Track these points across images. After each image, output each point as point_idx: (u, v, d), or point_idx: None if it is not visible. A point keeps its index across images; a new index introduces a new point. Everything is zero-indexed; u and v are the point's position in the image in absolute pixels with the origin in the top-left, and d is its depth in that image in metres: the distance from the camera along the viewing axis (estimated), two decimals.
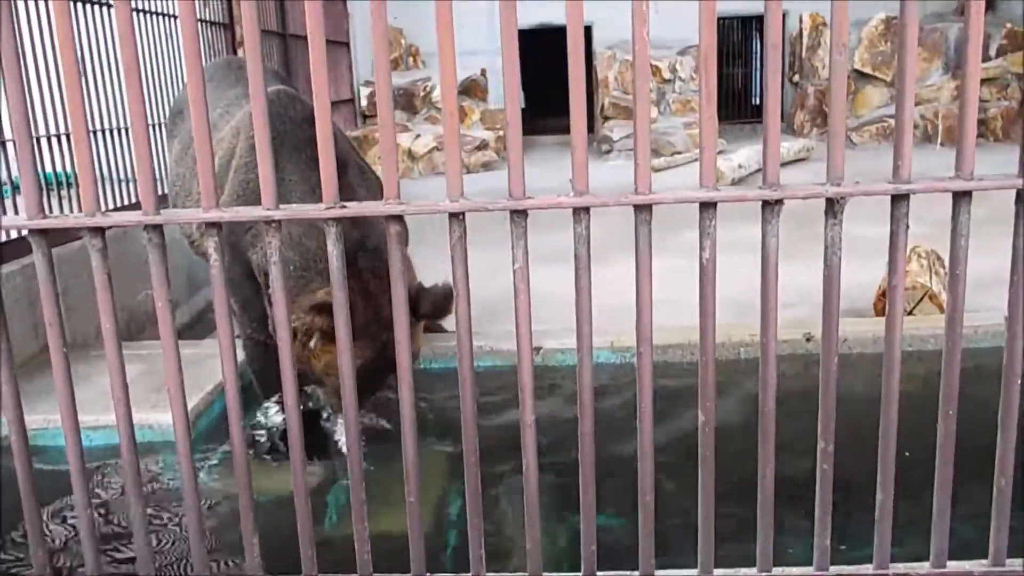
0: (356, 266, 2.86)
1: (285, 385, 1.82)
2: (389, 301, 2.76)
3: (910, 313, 4.39)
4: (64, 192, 4.55)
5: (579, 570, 1.89)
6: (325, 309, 2.68)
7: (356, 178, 3.22)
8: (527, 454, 1.81)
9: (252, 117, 3.25)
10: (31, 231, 1.76)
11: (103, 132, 5.01)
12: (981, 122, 12.11)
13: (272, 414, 3.43)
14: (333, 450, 3.22)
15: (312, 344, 2.88)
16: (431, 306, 2.88)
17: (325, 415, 3.33)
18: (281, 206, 1.73)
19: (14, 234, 3.94)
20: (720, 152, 11.10)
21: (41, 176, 1.84)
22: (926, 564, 1.85)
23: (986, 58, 12.06)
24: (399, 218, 1.73)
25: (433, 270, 3.03)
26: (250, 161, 3.08)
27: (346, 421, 1.83)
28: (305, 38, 1.70)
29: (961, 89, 1.61)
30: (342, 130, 4.02)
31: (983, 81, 9.94)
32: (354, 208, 1.72)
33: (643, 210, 1.68)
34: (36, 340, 3.97)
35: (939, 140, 12.45)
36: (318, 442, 3.23)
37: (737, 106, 15.02)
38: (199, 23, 5.86)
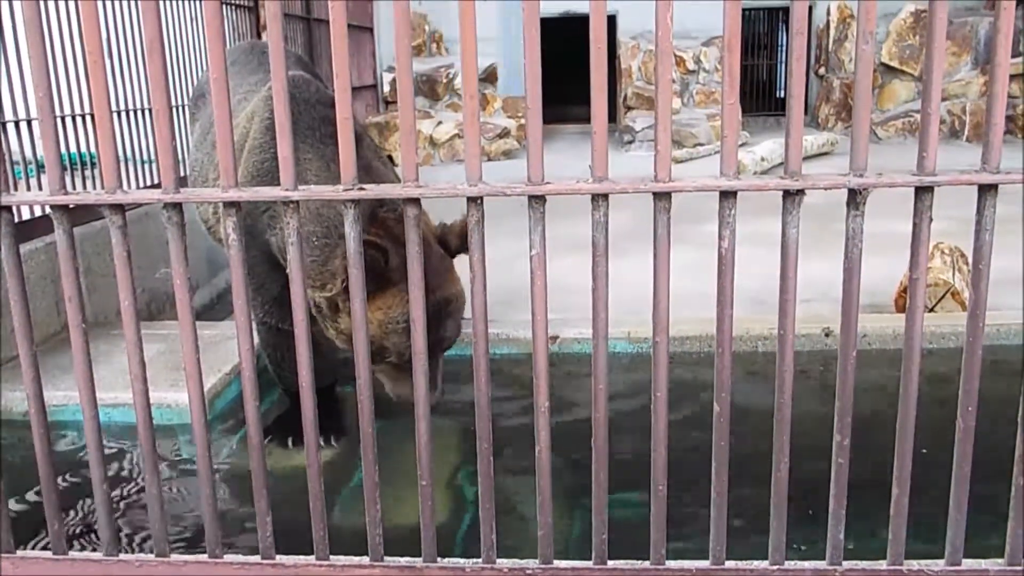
0: (377, 218, 2.88)
1: (301, 369, 1.82)
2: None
3: (931, 310, 4.33)
4: (87, 172, 4.58)
5: (589, 559, 1.89)
6: (371, 245, 2.66)
7: (371, 152, 3.22)
8: (540, 440, 1.81)
9: (265, 101, 3.26)
10: (53, 207, 1.77)
11: (126, 113, 5.04)
12: (1009, 119, 11.92)
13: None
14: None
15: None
16: (459, 237, 2.93)
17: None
18: (300, 187, 1.73)
19: (38, 212, 3.98)
20: (742, 144, 11.01)
21: (64, 156, 1.86)
22: (940, 562, 1.83)
23: (1016, 53, 11.85)
24: (416, 202, 1.72)
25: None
26: (264, 143, 3.08)
27: (359, 399, 1.83)
28: (329, 22, 1.70)
29: (990, 80, 1.58)
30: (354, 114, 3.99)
31: (1012, 77, 9.79)
32: (372, 191, 1.72)
33: (662, 198, 1.67)
34: (58, 318, 4.01)
35: (965, 136, 12.29)
36: (334, 423, 3.24)
37: (761, 98, 14.91)
38: (223, 5, 5.88)
